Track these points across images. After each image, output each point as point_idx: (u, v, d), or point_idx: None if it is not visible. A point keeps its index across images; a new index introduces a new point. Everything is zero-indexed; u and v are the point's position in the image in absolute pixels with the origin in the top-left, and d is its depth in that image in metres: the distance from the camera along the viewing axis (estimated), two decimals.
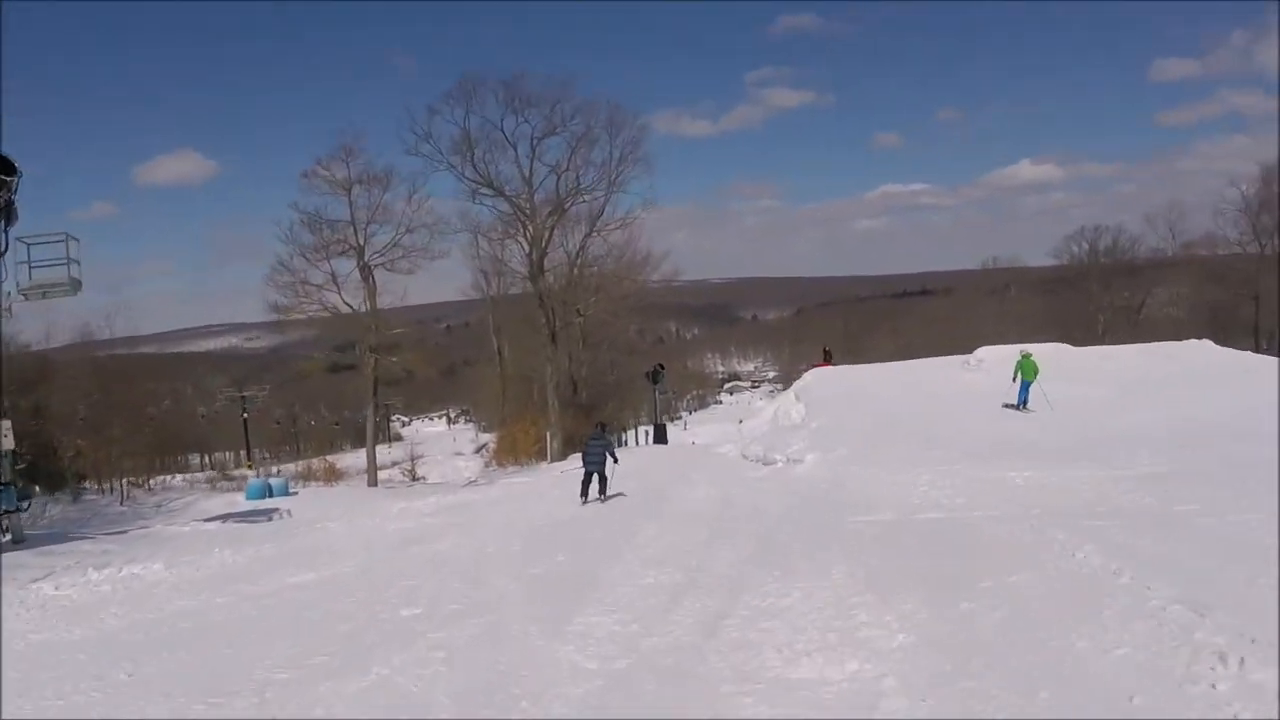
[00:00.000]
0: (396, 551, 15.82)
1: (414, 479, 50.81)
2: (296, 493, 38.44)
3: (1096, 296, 75.70)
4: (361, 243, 46.30)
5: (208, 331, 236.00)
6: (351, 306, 46.27)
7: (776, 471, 24.27)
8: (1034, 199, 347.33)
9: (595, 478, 20.42)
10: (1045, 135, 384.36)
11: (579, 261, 45.25)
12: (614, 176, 43.59)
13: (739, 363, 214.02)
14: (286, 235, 46.78)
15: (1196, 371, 32.10)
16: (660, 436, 54.63)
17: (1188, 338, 41.81)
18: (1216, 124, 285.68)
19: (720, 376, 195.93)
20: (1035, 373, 28.20)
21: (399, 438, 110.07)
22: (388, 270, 46.17)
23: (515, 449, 49.00)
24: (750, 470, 26.30)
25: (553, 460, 42.26)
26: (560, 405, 47.68)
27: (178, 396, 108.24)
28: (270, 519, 26.12)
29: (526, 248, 42.68)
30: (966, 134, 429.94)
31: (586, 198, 43.68)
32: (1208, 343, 39.37)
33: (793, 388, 41.54)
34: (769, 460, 26.51)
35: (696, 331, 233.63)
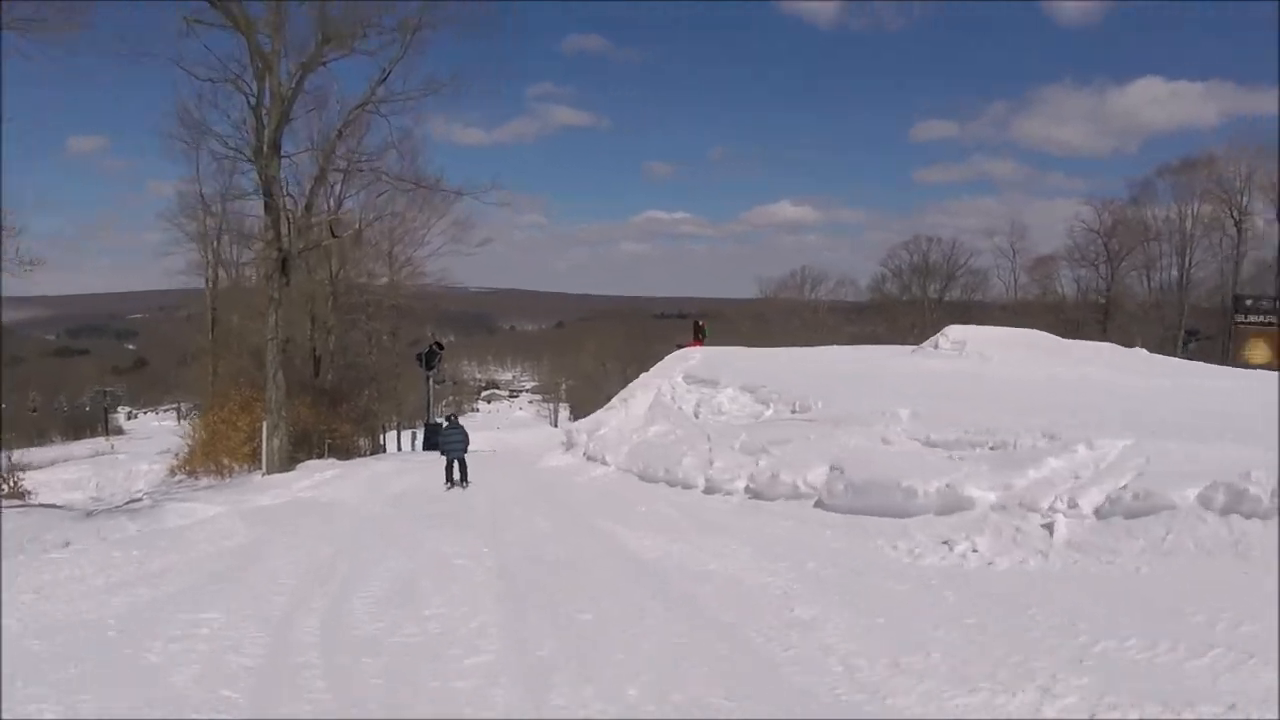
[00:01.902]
0: None
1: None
2: None
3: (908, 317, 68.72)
4: None
5: None
6: None
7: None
8: (790, 238, 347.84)
9: (456, 464, 20.14)
10: (806, 179, 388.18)
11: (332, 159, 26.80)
12: (408, 36, 25.41)
13: (497, 371, 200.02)
14: None
15: None
16: (433, 440, 37.82)
17: None
18: (966, 186, 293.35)
19: (478, 384, 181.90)
20: None
21: (120, 431, 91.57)
22: None
23: (216, 449, 30.74)
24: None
25: (271, 468, 24.69)
26: (293, 387, 29.95)
27: None
28: None
29: (253, 105, 23.75)
30: (733, 170, 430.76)
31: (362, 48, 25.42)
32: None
33: (677, 369, 25.83)
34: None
35: (453, 338, 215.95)
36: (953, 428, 12.47)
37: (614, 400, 27.59)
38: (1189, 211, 59.05)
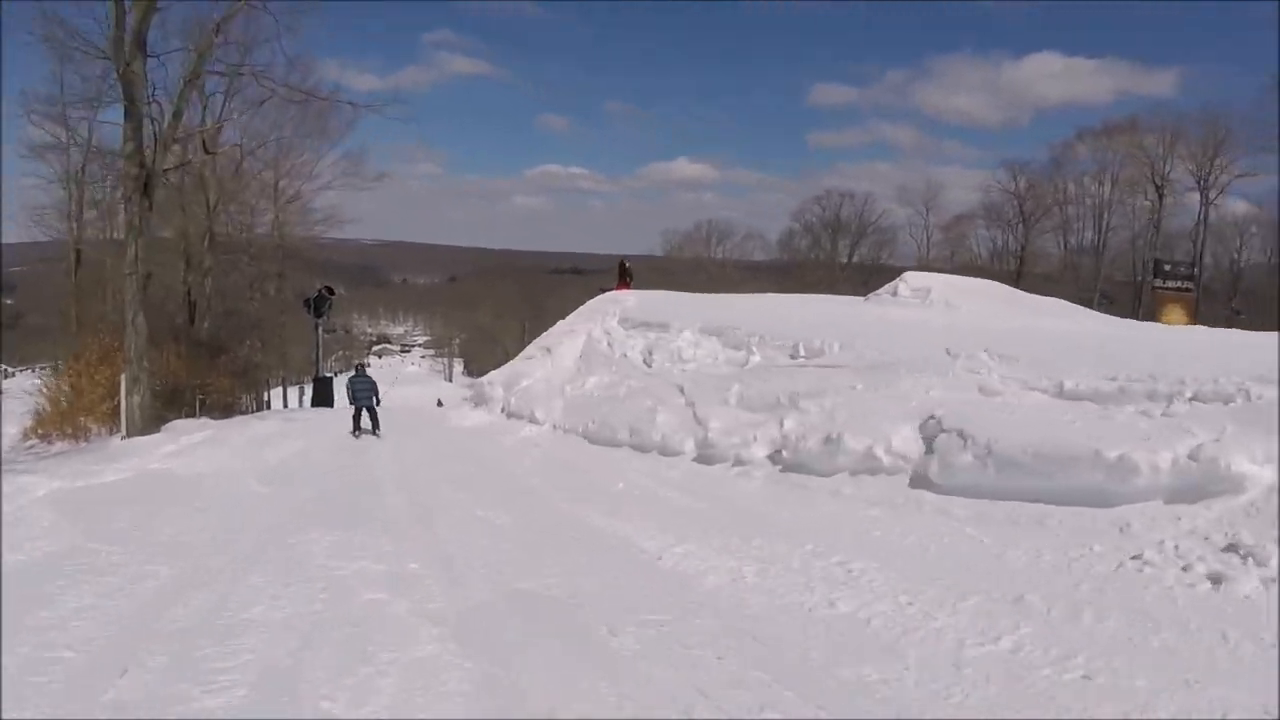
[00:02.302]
0: None
1: None
2: None
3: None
4: None
5: None
6: None
7: None
8: (687, 194, 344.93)
9: (365, 413, 19.87)
10: (704, 138, 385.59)
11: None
12: None
13: (388, 326, 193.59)
14: None
15: None
16: (323, 395, 34.11)
17: None
18: (864, 150, 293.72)
19: (368, 338, 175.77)
20: None
21: None
22: None
23: (75, 408, 26.40)
24: None
25: (131, 430, 20.67)
26: (162, 336, 25.91)
27: None
28: None
29: None
30: (631, 126, 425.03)
31: None
32: None
33: (609, 312, 22.70)
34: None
35: (344, 291, 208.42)
36: (1092, 374, 9.35)
37: (531, 349, 24.30)
38: (1108, 176, 58.47)
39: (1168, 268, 43.25)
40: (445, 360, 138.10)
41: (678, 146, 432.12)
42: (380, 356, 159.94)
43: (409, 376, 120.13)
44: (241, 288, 38.88)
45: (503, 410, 20.16)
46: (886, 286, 23.69)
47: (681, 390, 14.73)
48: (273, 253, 39.47)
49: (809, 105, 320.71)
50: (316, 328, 36.11)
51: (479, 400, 23.15)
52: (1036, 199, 61.35)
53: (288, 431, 19.64)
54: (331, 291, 36.11)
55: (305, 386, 41.32)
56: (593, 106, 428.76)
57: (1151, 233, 56.84)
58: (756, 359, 15.70)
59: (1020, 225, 61.81)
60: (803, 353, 14.86)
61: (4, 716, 4.47)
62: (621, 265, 31.60)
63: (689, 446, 12.36)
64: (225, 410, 29.78)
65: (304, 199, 41.58)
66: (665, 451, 12.69)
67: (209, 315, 34.42)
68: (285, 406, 41.22)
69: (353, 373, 21.50)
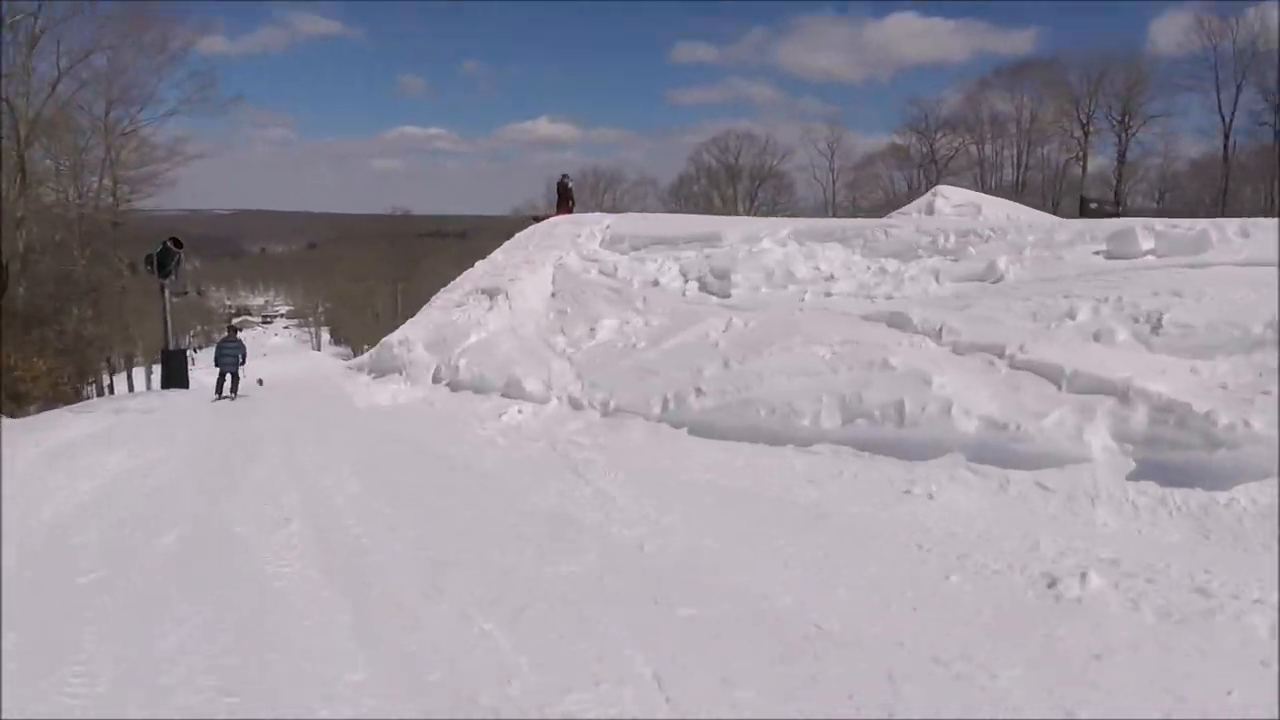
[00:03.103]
0: None
1: None
2: None
3: None
4: None
5: None
6: None
7: None
8: (547, 154, 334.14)
9: (229, 377, 18.82)
10: (564, 97, 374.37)
11: None
12: None
13: (247, 297, 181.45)
14: None
15: None
16: (175, 373, 26.93)
17: None
18: (723, 108, 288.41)
19: (228, 311, 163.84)
20: None
21: None
22: None
23: None
24: None
25: None
26: None
27: None
28: None
29: None
30: (489, 85, 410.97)
31: None
32: None
33: (579, 235, 16.67)
34: None
35: (199, 265, 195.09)
36: None
37: (456, 295, 18.07)
38: (1026, 114, 55.66)
39: (1093, 205, 40.47)
40: (312, 330, 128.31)
41: (537, 106, 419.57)
42: (241, 330, 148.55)
43: (276, 348, 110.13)
44: (68, 245, 30.89)
45: (442, 381, 13.89)
46: (916, 202, 18.26)
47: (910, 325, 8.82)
48: (105, 201, 31.54)
49: (670, 63, 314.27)
50: (163, 289, 28.58)
51: (382, 368, 16.87)
52: (950, 140, 57.98)
53: (113, 434, 12.96)
54: (179, 244, 28.53)
55: (153, 367, 33.73)
56: (448, 67, 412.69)
57: (1078, 171, 54.33)
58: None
59: (933, 166, 57.59)
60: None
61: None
62: (562, 185, 25.25)
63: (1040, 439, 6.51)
64: (48, 401, 22.50)
65: (141, 133, 33.63)
66: (908, 453, 6.83)
67: (24, 279, 26.64)
68: (131, 390, 33.47)
69: (224, 334, 20.62)
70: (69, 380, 24.92)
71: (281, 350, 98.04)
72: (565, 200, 24.65)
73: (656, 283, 13.32)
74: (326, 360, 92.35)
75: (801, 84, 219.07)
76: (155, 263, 28.97)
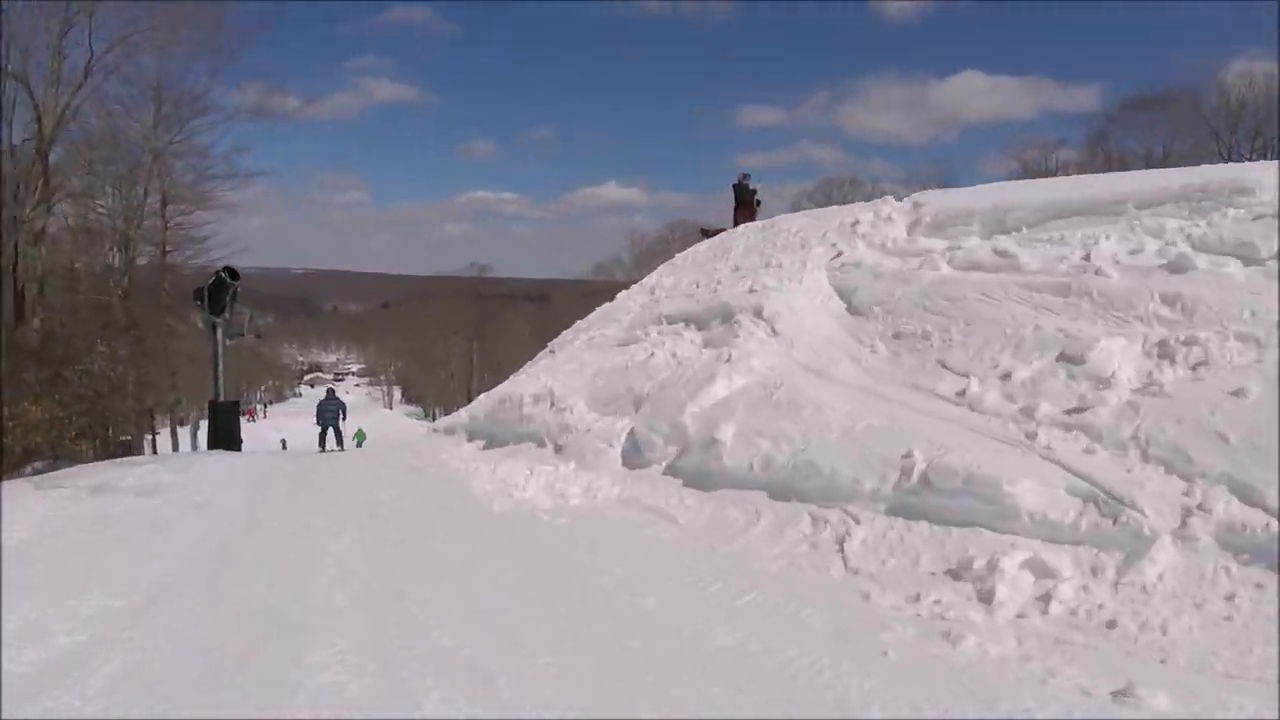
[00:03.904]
0: None
1: None
2: None
3: None
4: None
5: None
6: None
7: None
8: (615, 218, 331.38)
9: (331, 431, 20.73)
10: (631, 160, 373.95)
11: None
12: None
13: (320, 354, 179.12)
14: None
15: None
16: (224, 431, 20.68)
17: None
18: (790, 170, 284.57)
19: (301, 367, 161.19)
20: None
21: None
22: None
23: None
24: None
25: None
26: None
27: None
28: None
29: None
30: (557, 150, 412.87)
31: None
32: None
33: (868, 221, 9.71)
34: None
35: (273, 321, 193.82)
36: None
37: (626, 330, 11.55)
38: (1159, 150, 48.75)
39: None
40: (384, 387, 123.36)
41: (606, 170, 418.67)
42: (313, 386, 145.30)
43: (349, 405, 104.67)
44: (102, 269, 24.98)
45: (652, 465, 7.50)
46: None
47: None
48: (149, 216, 25.70)
49: (737, 127, 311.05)
50: (214, 329, 22.56)
51: (500, 436, 10.56)
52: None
53: (65, 535, 6.68)
54: (235, 275, 22.55)
55: (199, 423, 27.68)
56: (518, 132, 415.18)
57: None
58: None
59: None
60: None
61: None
62: (741, 186, 18.58)
63: None
64: (47, 459, 16.37)
65: (200, 114, 27.87)
66: None
67: (40, 307, 20.75)
68: (175, 449, 27.36)
69: (324, 396, 22.06)
70: (81, 433, 18.75)
71: (353, 408, 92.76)
72: (746, 205, 18.13)
73: (1100, 270, 6.92)
74: (400, 419, 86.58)
75: (864, 145, 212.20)
76: (206, 297, 23.01)
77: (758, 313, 8.52)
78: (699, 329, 9.67)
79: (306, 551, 6.54)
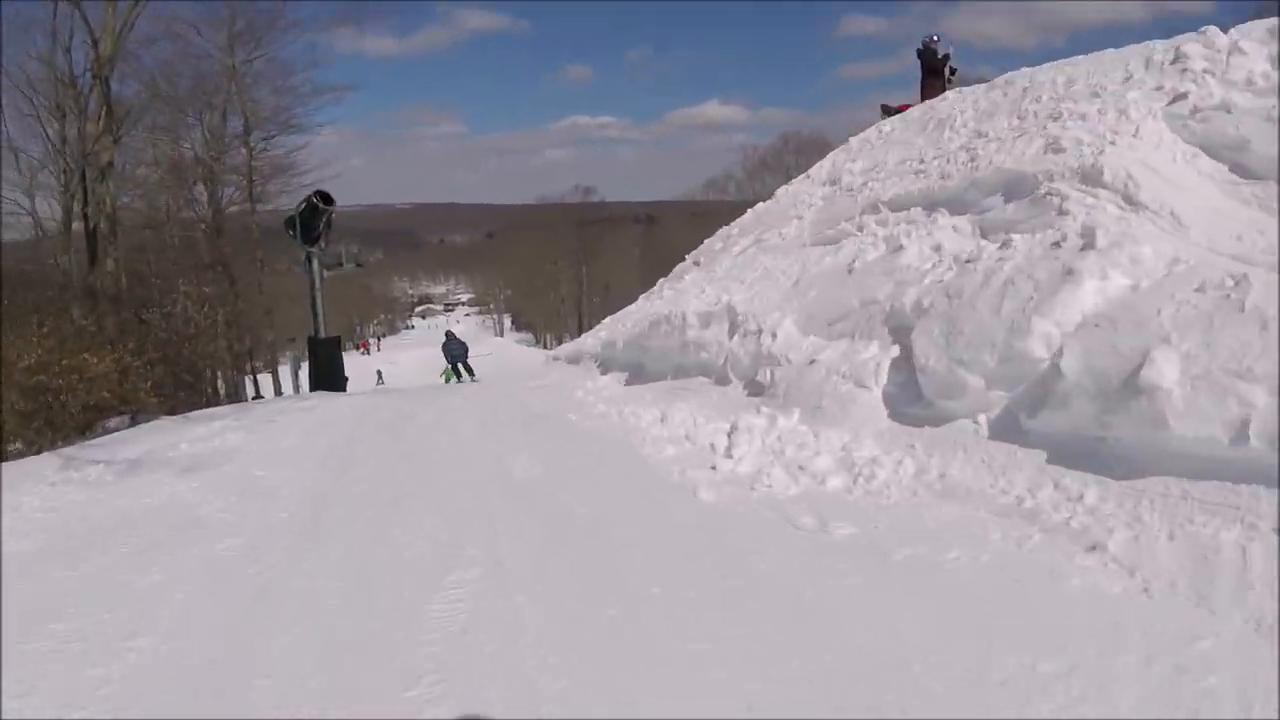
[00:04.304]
0: None
1: None
2: None
3: None
4: None
5: None
6: None
7: None
8: (717, 138, 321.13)
9: (460, 367, 22.58)
10: (731, 79, 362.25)
11: None
12: None
13: (429, 286, 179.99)
14: None
15: None
16: (326, 370, 18.13)
17: None
18: (895, 81, 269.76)
19: (410, 300, 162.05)
20: None
21: None
22: None
23: None
24: None
25: None
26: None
27: None
28: None
29: None
30: (655, 71, 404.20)
31: None
32: None
33: None
34: None
35: (381, 256, 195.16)
36: None
37: (843, 219, 8.23)
38: None
39: None
40: (494, 316, 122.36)
41: (705, 90, 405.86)
42: (424, 317, 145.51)
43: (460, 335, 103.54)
44: (185, 208, 22.64)
45: (978, 415, 4.21)
46: None
47: None
48: (232, 144, 23.15)
49: (838, 37, 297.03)
50: (309, 260, 20.09)
51: (651, 367, 7.84)
52: None
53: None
54: (328, 200, 19.98)
55: (296, 365, 25.46)
56: (614, 54, 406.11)
57: None
58: None
59: None
60: None
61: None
62: (930, 51, 14.90)
63: None
64: (128, 415, 14.04)
65: (273, 52, 25.21)
66: None
67: (114, 247, 18.47)
68: (278, 393, 25.22)
69: (444, 339, 23.81)
70: (159, 383, 16.41)
71: (464, 338, 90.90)
72: (937, 74, 14.50)
73: None
74: (512, 346, 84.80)
75: (970, 52, 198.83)
76: (298, 225, 20.53)
77: (1091, 178, 5.22)
78: (959, 212, 6.41)
79: (399, 613, 3.65)
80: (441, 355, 24.28)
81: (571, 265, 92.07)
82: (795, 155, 77.81)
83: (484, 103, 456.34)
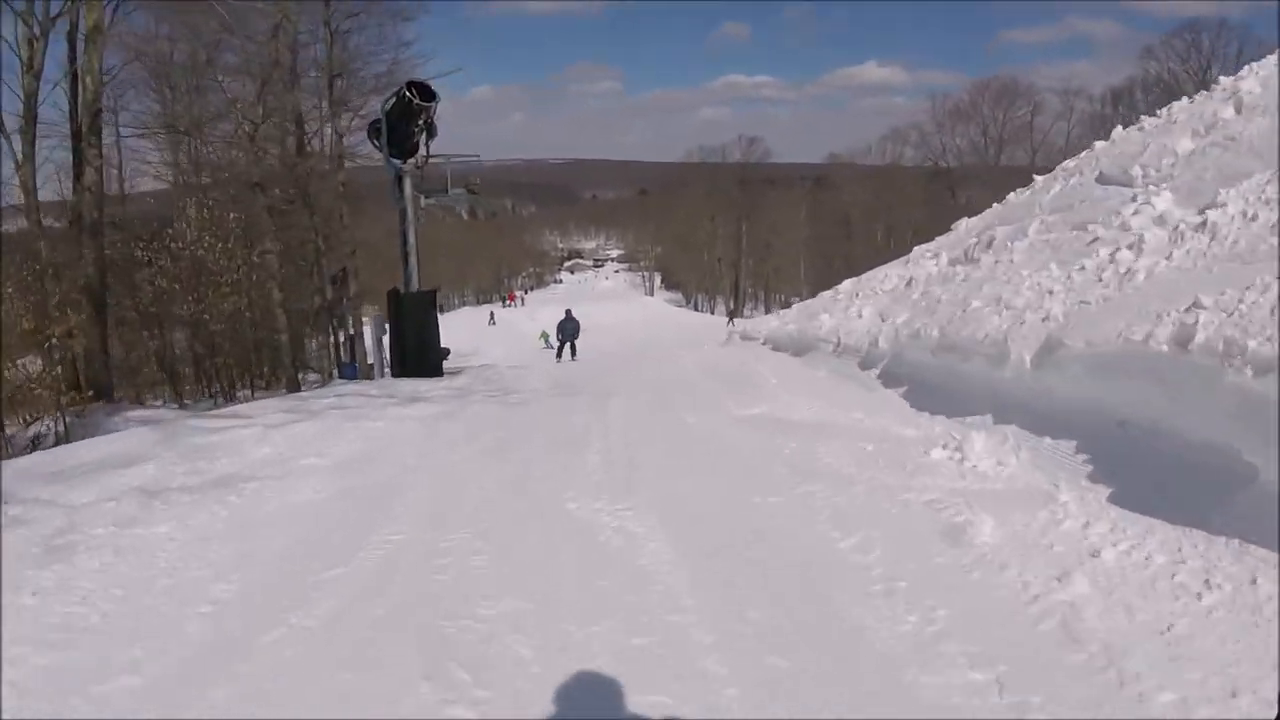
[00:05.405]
0: None
1: None
2: None
3: None
4: None
5: None
6: None
7: None
8: (875, 100, 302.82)
9: (569, 347, 22.53)
10: (890, 40, 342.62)
11: None
12: None
13: (580, 241, 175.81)
14: None
15: None
16: (416, 343, 11.15)
17: None
18: (1061, 48, 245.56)
19: (560, 254, 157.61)
20: None
21: None
22: None
23: None
24: None
25: None
26: None
27: None
28: None
29: None
30: (813, 31, 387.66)
31: None
32: None
33: None
34: None
35: (534, 209, 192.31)
36: None
37: None
38: None
39: None
40: (645, 273, 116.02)
41: (865, 50, 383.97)
42: (573, 272, 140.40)
43: (604, 292, 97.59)
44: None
45: None
46: None
47: None
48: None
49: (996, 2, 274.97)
50: (398, 181, 13.91)
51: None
52: None
53: None
54: (428, 95, 13.64)
55: (377, 332, 19.22)
56: (773, 12, 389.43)
57: None
58: None
59: None
60: None
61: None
62: None
63: None
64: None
65: None
66: None
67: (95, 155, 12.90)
68: (338, 372, 19.00)
69: (563, 316, 23.33)
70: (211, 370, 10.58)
71: (611, 295, 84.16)
72: None
73: None
74: (659, 304, 78.13)
75: (1143, 17, 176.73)
76: (385, 127, 14.25)
77: None
78: None
79: None
80: (553, 328, 25.58)
81: (728, 223, 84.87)
82: (990, 103, 68.22)
83: (640, 61, 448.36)
